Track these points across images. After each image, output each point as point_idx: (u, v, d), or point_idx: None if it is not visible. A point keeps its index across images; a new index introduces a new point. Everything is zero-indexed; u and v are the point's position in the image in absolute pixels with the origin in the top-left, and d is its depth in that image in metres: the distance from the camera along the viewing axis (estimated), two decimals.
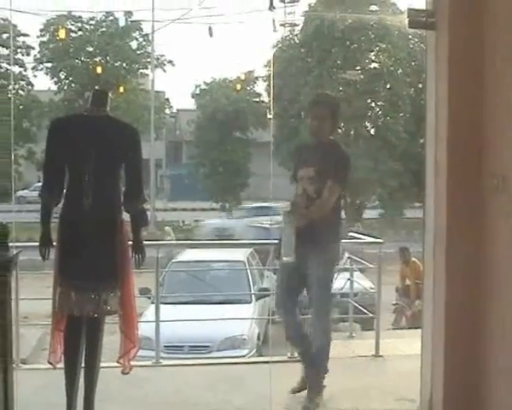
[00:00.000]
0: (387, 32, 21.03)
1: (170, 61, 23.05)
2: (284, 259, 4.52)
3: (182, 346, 8.19)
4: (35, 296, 5.91)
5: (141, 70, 23.15)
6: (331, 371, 4.73)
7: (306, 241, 4.49)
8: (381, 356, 6.08)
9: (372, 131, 22.52)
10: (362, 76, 21.35)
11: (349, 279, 7.83)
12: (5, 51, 20.90)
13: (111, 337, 4.19)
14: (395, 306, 11.42)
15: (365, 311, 7.58)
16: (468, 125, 4.02)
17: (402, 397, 4.67)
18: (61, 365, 4.02)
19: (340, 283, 8.34)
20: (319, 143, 4.81)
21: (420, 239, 4.69)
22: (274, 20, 15.36)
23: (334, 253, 4.75)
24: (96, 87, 3.95)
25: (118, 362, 4.14)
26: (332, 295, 4.95)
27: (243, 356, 8.09)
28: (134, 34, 22.94)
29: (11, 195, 16.66)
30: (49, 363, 4.07)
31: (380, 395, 4.85)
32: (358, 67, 21.54)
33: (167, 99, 25.42)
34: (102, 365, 4.06)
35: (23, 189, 21.02)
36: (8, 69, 21.03)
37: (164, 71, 23.14)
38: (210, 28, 16.03)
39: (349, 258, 8.11)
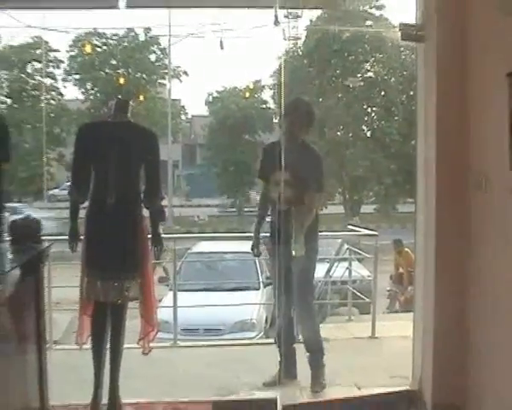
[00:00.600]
0: (381, 44, 21.00)
1: (185, 72, 23.01)
2: (293, 253, 4.43)
3: (197, 329, 8.19)
4: (65, 284, 5.94)
5: (159, 80, 23.14)
6: (332, 351, 4.73)
7: (288, 238, 4.44)
8: (376, 337, 6.08)
9: (368, 134, 22.45)
10: (362, 83, 21.29)
11: (348, 268, 7.83)
12: (38, 65, 20.96)
13: (133, 321, 4.19)
14: (389, 292, 11.39)
15: (363, 297, 7.57)
16: (455, 128, 4.01)
17: (396, 375, 4.66)
18: (87, 345, 4.03)
19: (340, 271, 8.35)
20: (293, 145, 4.54)
21: (412, 231, 4.68)
22: (284, 30, 15.23)
23: (313, 250, 4.66)
24: (119, 96, 3.92)
25: (138, 344, 4.15)
26: (313, 288, 4.91)
27: (252, 338, 8.09)
28: (153, 48, 22.93)
29: (44, 193, 16.77)
30: (77, 344, 4.08)
31: (376, 372, 4.84)
32: (359, 76, 21.48)
33: (183, 106, 25.39)
34: (126, 346, 4.06)
35: (54, 188, 21.04)
36: (40, 81, 21.07)
37: (180, 81, 23.11)
38: (221, 42, 15.99)
39: (348, 249, 8.11)
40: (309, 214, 4.52)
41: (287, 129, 4.63)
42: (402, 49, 20.69)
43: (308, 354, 4.62)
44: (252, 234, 5.15)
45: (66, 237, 4.09)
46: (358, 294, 7.66)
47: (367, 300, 7.26)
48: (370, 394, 4.29)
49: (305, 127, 4.64)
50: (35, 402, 3.13)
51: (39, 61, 20.70)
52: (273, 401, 4.21)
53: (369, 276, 7.85)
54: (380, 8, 21.30)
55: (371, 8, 21.36)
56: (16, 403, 2.78)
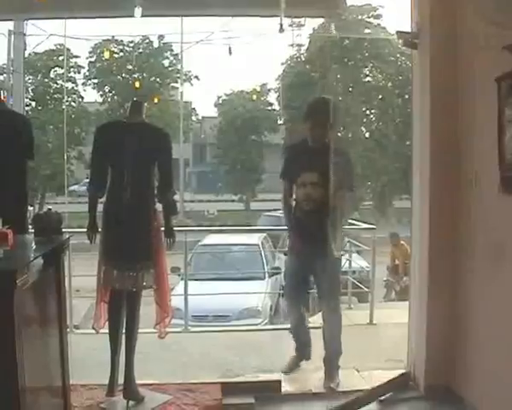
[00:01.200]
0: (379, 51, 20.94)
1: (196, 76, 23.02)
2: (335, 253, 4.20)
3: (206, 315, 8.20)
4: (84, 273, 5.94)
5: (172, 84, 23.13)
6: None
7: (314, 238, 4.17)
8: (374, 324, 6.08)
9: (367, 135, 22.42)
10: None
11: (348, 260, 7.83)
12: (60, 70, 21.01)
13: (148, 308, 4.20)
14: (386, 282, 11.37)
15: (361, 286, 7.57)
16: (448, 129, 4.00)
17: (391, 358, 4.66)
18: (104, 330, 4.03)
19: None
20: (320, 146, 4.21)
21: (407, 225, 4.67)
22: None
23: (340, 249, 4.41)
24: (134, 98, 3.92)
25: (155, 328, 4.14)
26: (340, 286, 4.62)
27: (258, 324, 8.09)
28: (166, 54, 22.93)
29: (65, 189, 16.81)
30: (93, 328, 4.08)
31: (373, 356, 4.84)
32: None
33: (194, 108, 25.40)
34: (140, 331, 4.06)
35: (74, 184, 21.07)
36: (62, 85, 21.10)
37: (191, 84, 23.13)
38: (229, 48, 15.88)
39: (348, 242, 8.10)
40: (342, 214, 4.30)
41: (311, 130, 4.26)
42: (398, 56, 20.66)
43: (326, 352, 4.41)
44: (257, 227, 5.10)
45: (85, 230, 4.10)
46: (358, 283, 7.66)
47: (365, 289, 7.25)
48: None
49: (328, 128, 4.25)
50: (57, 381, 3.14)
51: (61, 67, 20.73)
52: (277, 382, 4.22)
53: (367, 267, 7.86)
54: (377, 17, 21.25)
55: (369, 17, 21.30)
56: (40, 382, 2.80)
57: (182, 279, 6.84)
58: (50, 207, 3.58)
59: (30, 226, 3.64)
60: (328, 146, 4.23)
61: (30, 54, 19.22)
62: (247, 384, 4.23)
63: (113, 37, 21.84)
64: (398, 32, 4.32)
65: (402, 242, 10.89)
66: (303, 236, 4.30)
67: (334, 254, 4.25)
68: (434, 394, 4.02)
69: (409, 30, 4.23)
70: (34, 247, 3.12)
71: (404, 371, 4.36)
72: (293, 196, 4.48)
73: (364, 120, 22.32)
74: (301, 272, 4.44)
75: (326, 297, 4.39)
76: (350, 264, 7.79)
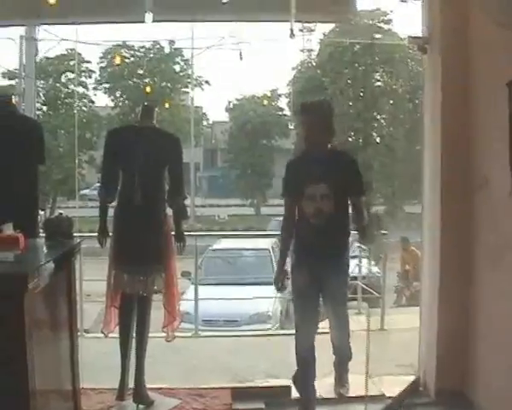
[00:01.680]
0: (390, 56, 20.90)
1: (207, 81, 23.12)
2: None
3: (217, 320, 8.20)
4: (95, 278, 5.96)
5: (182, 89, 23.24)
6: None
7: (324, 254, 3.81)
8: (385, 330, 6.06)
9: (378, 140, 22.37)
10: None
11: (358, 265, 7.80)
12: (72, 75, 21.14)
13: (158, 312, 4.20)
14: (396, 287, 11.33)
15: (372, 291, 7.54)
16: (458, 134, 4.00)
17: (402, 364, 4.64)
18: (114, 334, 4.04)
19: (351, 267, 8.29)
20: (323, 154, 3.81)
21: (417, 230, 4.64)
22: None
23: (347, 260, 4.08)
24: (145, 103, 3.93)
25: (162, 330, 4.15)
26: (347, 292, 4.28)
27: (268, 329, 8.08)
28: (177, 59, 23.05)
29: (76, 193, 16.91)
30: (102, 333, 4.09)
31: (384, 361, 4.80)
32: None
33: (204, 113, 25.52)
34: (150, 335, 4.07)
35: (85, 188, 21.18)
36: (73, 90, 21.24)
37: (202, 89, 23.23)
38: (240, 53, 15.93)
39: (358, 247, 8.08)
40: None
41: (306, 138, 3.87)
42: (409, 60, 20.61)
43: (336, 357, 4.27)
44: (267, 232, 5.02)
45: (96, 234, 4.11)
46: (368, 289, 7.63)
47: (376, 294, 7.22)
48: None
49: (326, 131, 3.83)
50: (67, 385, 3.15)
51: (72, 72, 20.86)
52: (287, 388, 4.21)
53: (377, 272, 7.82)
54: (388, 22, 21.21)
55: (380, 22, 21.26)
56: (50, 385, 2.81)
57: (192, 284, 6.84)
58: (62, 211, 3.60)
59: (41, 230, 3.66)
60: (334, 152, 3.93)
61: (41, 59, 19.36)
62: (257, 390, 4.23)
63: (124, 42, 21.98)
64: (409, 38, 4.32)
65: (412, 247, 10.85)
66: (311, 254, 3.86)
67: (342, 265, 4.01)
68: (445, 399, 4.00)
69: (419, 35, 4.23)
70: (45, 251, 3.13)
71: (415, 376, 4.34)
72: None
73: (375, 124, 22.29)
74: (312, 296, 3.94)
75: (334, 304, 4.07)
76: (360, 269, 7.76)
